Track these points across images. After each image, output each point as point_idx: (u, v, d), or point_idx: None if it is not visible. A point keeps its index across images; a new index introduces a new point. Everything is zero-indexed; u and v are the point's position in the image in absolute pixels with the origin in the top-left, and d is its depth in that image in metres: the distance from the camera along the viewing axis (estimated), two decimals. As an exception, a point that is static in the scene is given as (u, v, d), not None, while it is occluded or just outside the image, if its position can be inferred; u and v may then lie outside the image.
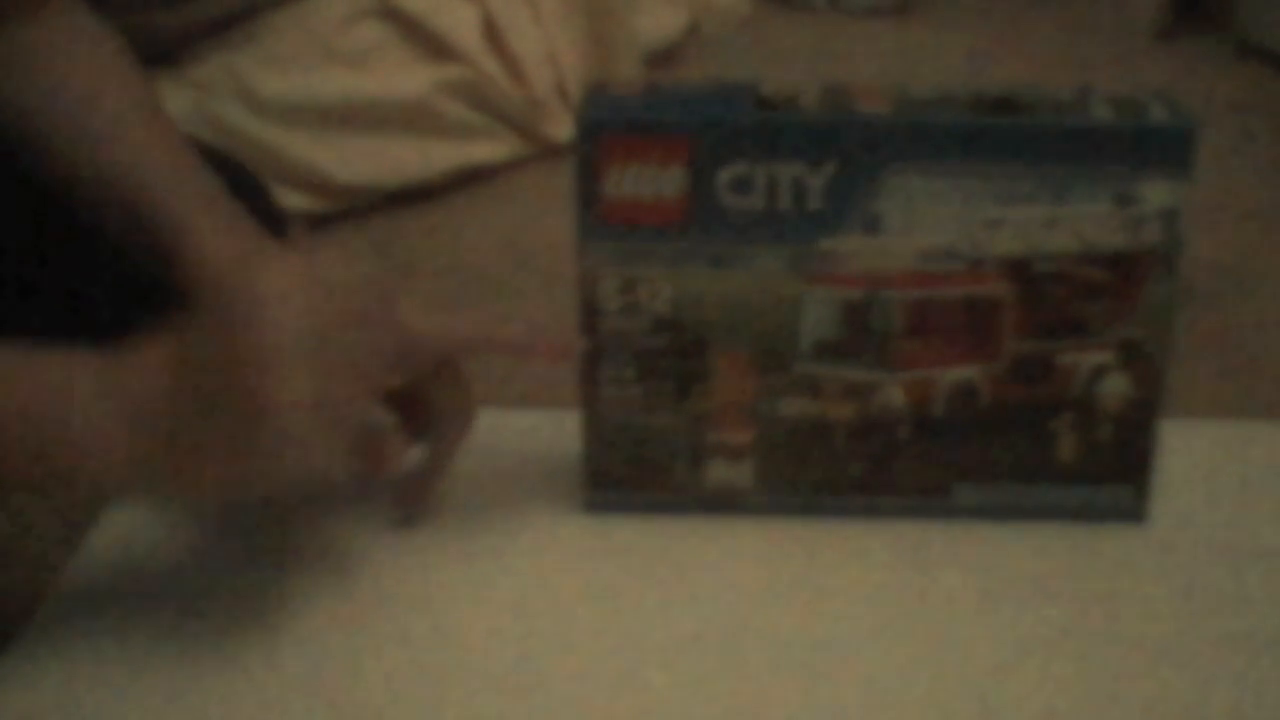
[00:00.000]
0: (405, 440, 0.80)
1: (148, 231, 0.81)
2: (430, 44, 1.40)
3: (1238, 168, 1.44)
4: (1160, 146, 0.79)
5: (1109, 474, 0.86)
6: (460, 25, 1.41)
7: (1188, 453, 0.91)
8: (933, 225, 0.80)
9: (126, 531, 0.81)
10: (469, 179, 1.42)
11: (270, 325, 0.66)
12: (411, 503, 0.86)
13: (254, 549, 0.84)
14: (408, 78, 1.38)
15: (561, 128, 1.46)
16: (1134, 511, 0.87)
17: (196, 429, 0.68)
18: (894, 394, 0.84)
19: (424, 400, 0.84)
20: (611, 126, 0.80)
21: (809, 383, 0.84)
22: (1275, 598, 0.81)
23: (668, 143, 0.79)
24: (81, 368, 0.69)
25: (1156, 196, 0.80)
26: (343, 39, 1.36)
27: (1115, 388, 0.84)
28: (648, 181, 0.80)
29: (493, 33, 1.44)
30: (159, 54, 1.31)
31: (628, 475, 0.87)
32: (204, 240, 0.80)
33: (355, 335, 0.70)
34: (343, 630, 0.75)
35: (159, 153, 0.82)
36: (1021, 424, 0.85)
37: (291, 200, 1.28)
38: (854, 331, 0.83)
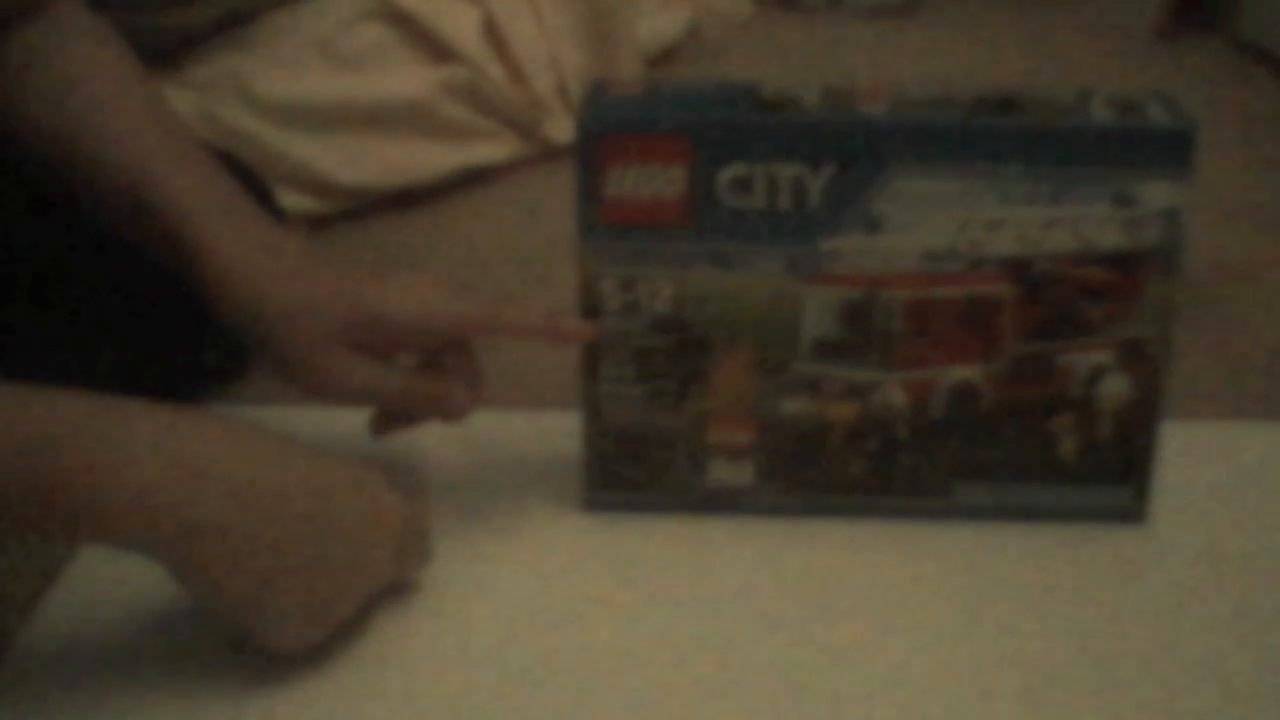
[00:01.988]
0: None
1: (158, 227, 0.81)
2: (431, 45, 1.39)
3: (1238, 168, 1.44)
4: (1160, 147, 0.79)
5: (1109, 474, 0.86)
6: (461, 26, 1.40)
7: (1187, 453, 0.91)
8: (933, 226, 0.81)
9: (103, 566, 0.80)
10: (470, 180, 1.41)
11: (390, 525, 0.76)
12: (382, 433, 0.87)
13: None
14: (408, 79, 1.38)
15: (562, 129, 1.46)
16: (1133, 512, 0.87)
17: (269, 533, 0.70)
18: (894, 394, 0.84)
19: (438, 372, 0.85)
20: (612, 127, 0.80)
21: (809, 382, 0.84)
22: (1274, 598, 0.81)
23: (668, 143, 0.80)
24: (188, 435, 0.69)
25: (1156, 197, 0.80)
26: (343, 40, 1.36)
27: (1115, 388, 0.84)
28: (648, 182, 0.80)
29: (493, 34, 1.43)
30: (159, 55, 1.31)
31: (628, 475, 0.87)
32: (217, 232, 0.80)
33: (392, 563, 0.77)
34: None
35: (165, 148, 0.82)
36: (1021, 424, 0.85)
37: (292, 201, 1.28)
38: (854, 331, 0.83)
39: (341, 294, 0.81)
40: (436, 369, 0.85)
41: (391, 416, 0.87)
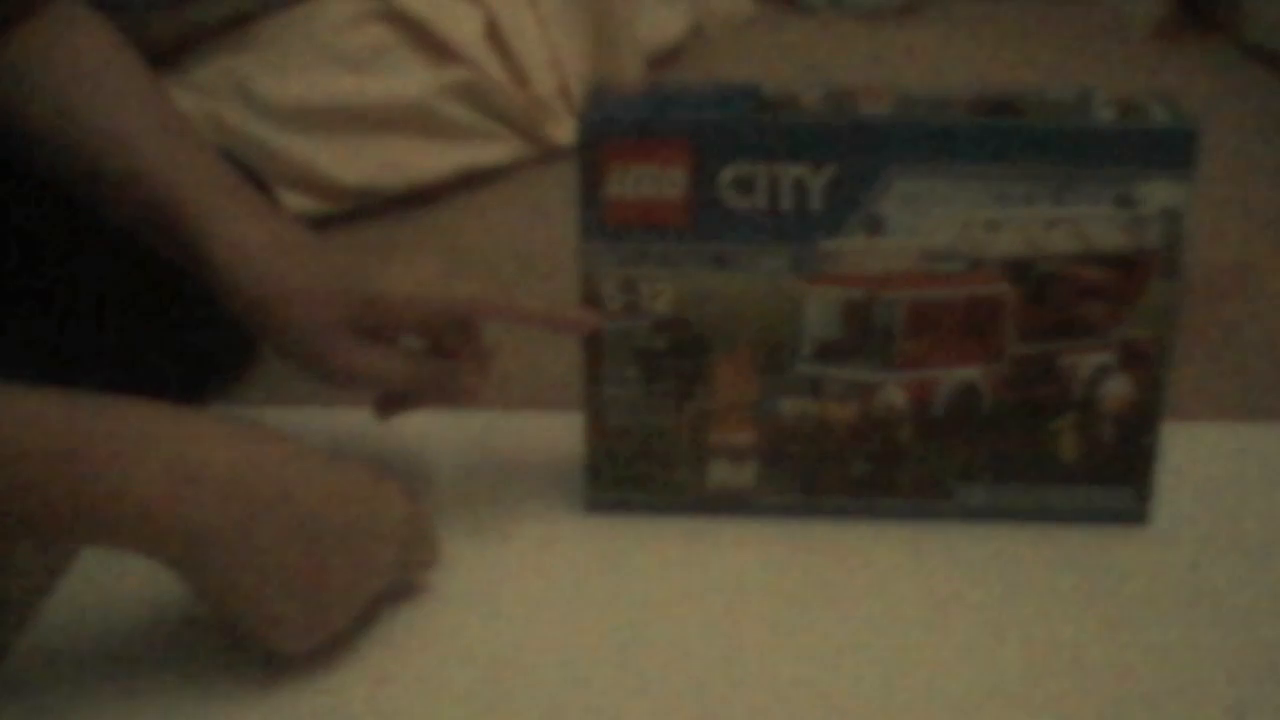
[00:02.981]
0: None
1: (162, 218, 0.81)
2: (432, 46, 1.39)
3: (1239, 169, 1.44)
4: (1162, 148, 0.79)
5: (1111, 475, 0.86)
6: (462, 27, 1.40)
7: (1189, 454, 0.91)
8: (934, 226, 0.81)
9: (105, 568, 0.80)
10: (471, 181, 1.42)
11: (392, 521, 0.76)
12: (387, 416, 0.88)
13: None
14: (410, 80, 1.38)
15: (564, 130, 1.46)
16: (1136, 513, 0.87)
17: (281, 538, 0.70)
18: (895, 394, 0.84)
19: (443, 354, 0.85)
20: (614, 128, 0.80)
21: (811, 383, 0.84)
22: (1275, 599, 0.81)
23: (670, 144, 0.80)
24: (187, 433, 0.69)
25: (1158, 198, 0.80)
26: (345, 41, 1.36)
27: (1117, 389, 0.84)
28: (650, 182, 0.80)
29: (495, 35, 1.43)
30: (160, 57, 1.31)
31: (630, 476, 0.87)
32: (218, 215, 0.80)
33: (395, 565, 0.77)
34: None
35: (168, 141, 0.82)
36: (1023, 425, 0.85)
37: (294, 202, 1.28)
38: (855, 332, 0.83)
39: (345, 277, 0.81)
40: (443, 352, 0.85)
41: (396, 399, 0.87)
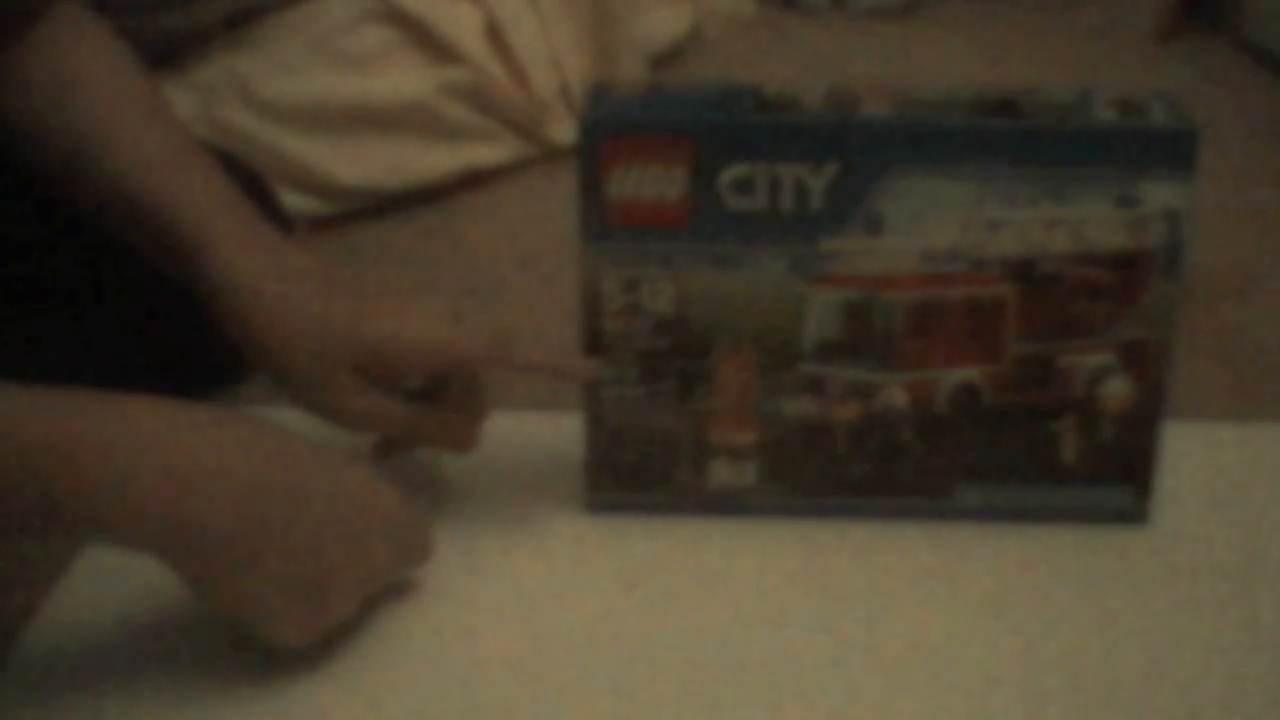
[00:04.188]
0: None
1: (162, 237, 0.81)
2: (433, 46, 1.40)
3: (1239, 169, 1.44)
4: (1162, 148, 0.79)
5: (1111, 475, 0.86)
6: (463, 27, 1.41)
7: (1189, 455, 0.91)
8: (935, 226, 0.81)
9: (105, 566, 0.80)
10: (472, 181, 1.42)
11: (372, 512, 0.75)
12: (384, 459, 0.88)
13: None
14: (410, 80, 1.38)
15: (564, 130, 1.46)
16: (1135, 513, 0.87)
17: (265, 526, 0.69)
18: (896, 395, 0.84)
19: (439, 399, 0.85)
20: (614, 128, 0.80)
21: (811, 383, 0.84)
22: (1276, 599, 0.81)
23: (670, 144, 0.80)
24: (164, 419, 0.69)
25: (1158, 198, 0.80)
26: (346, 41, 1.36)
27: (1117, 389, 0.84)
28: (650, 183, 0.80)
29: (495, 35, 1.43)
30: (161, 56, 1.31)
31: (630, 476, 0.87)
32: (224, 246, 0.80)
33: (392, 561, 0.77)
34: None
35: (167, 155, 0.82)
36: (1023, 425, 0.85)
37: (295, 202, 1.28)
38: (856, 332, 0.83)
39: (348, 322, 0.80)
40: (441, 398, 0.85)
41: (393, 441, 0.87)
